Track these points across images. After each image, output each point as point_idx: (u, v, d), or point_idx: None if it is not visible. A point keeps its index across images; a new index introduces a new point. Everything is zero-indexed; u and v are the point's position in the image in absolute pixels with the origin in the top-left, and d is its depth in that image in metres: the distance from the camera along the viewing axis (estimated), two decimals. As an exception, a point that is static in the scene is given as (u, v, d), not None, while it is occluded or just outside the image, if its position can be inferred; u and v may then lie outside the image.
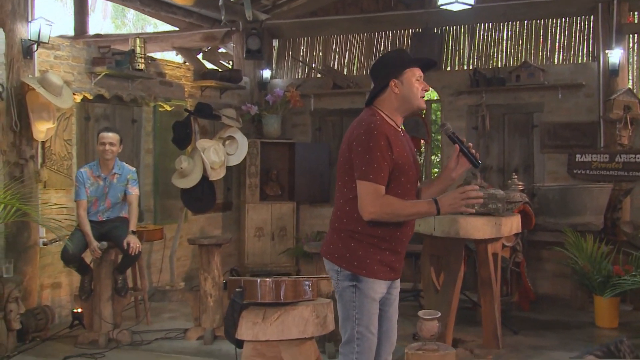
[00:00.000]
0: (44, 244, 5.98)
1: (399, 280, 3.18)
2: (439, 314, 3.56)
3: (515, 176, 7.21)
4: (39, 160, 6.11)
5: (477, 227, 4.93)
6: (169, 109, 7.61)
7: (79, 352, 5.32)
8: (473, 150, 3.00)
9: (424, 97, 3.10)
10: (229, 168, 7.86)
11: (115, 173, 5.61)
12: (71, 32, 11.29)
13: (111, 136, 5.55)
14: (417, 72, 3.06)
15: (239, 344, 3.94)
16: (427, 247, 5.29)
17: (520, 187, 7.06)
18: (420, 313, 3.61)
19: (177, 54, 11.35)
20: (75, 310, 6.06)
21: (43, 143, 6.16)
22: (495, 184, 7.91)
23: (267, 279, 3.82)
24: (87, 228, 5.43)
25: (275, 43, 9.71)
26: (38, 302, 6.07)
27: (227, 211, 8.87)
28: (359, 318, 2.96)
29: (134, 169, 5.79)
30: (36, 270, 6.02)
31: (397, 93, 3.03)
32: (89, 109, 6.72)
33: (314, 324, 3.89)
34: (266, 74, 9.30)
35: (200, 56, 11.37)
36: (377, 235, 2.96)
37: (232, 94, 8.87)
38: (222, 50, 11.08)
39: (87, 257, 5.65)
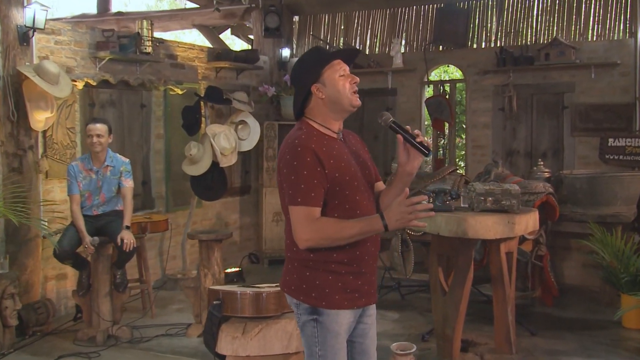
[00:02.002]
0: (44, 237, 5.83)
1: (374, 306, 2.82)
2: (414, 348, 3.26)
3: (542, 162, 6.83)
4: (40, 150, 5.96)
5: (487, 227, 4.57)
6: (180, 92, 7.38)
7: (75, 351, 5.19)
8: (421, 139, 2.61)
9: (357, 91, 2.69)
10: (246, 151, 7.64)
11: (107, 165, 5.41)
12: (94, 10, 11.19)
13: (99, 127, 5.33)
14: (339, 67, 2.67)
15: (221, 357, 3.73)
16: (434, 246, 4.96)
17: (546, 175, 6.68)
18: (394, 347, 3.31)
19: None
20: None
21: (44, 132, 6.00)
22: (521, 169, 7.51)
23: (248, 291, 3.58)
24: (80, 223, 5.26)
25: (296, 19, 9.37)
26: (42, 295, 5.97)
27: (245, 195, 8.66)
28: (323, 355, 2.63)
29: (127, 160, 5.57)
30: (38, 262, 5.90)
31: (322, 98, 2.66)
32: (94, 95, 6.52)
33: (299, 338, 3.63)
34: (285, 52, 8.98)
35: (229, 31, 11.16)
36: (334, 259, 2.60)
37: (250, 74, 8.58)
38: (249, 25, 10.78)
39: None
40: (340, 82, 2.66)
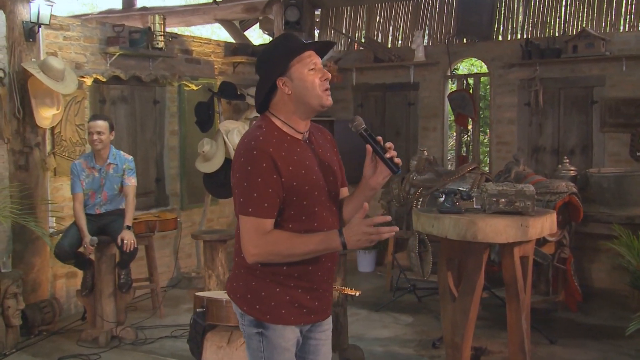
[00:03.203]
0: (50, 235, 5.76)
1: (329, 319, 2.58)
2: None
3: (567, 160, 6.51)
4: (48, 147, 5.89)
5: (498, 230, 4.30)
6: (195, 88, 7.26)
7: (76, 352, 5.09)
8: (393, 153, 2.36)
9: (328, 88, 2.39)
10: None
11: (110, 163, 5.30)
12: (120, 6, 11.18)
13: (99, 124, 5.21)
14: (310, 60, 2.37)
15: (208, 365, 3.57)
16: (443, 250, 4.71)
17: (572, 173, 6.36)
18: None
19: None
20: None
21: (52, 129, 5.93)
22: (548, 167, 7.19)
23: (234, 298, 3.40)
24: (82, 222, 5.16)
25: (317, 12, 9.16)
26: (51, 293, 5.92)
27: (264, 192, 8.48)
28: None
29: (130, 157, 5.45)
30: (46, 260, 5.84)
31: (288, 94, 2.38)
32: (104, 91, 6.43)
33: (288, 347, 3.45)
34: (306, 46, 8.76)
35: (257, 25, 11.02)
36: (283, 272, 2.37)
37: (269, 68, 8.39)
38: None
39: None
40: (309, 77, 2.37)
